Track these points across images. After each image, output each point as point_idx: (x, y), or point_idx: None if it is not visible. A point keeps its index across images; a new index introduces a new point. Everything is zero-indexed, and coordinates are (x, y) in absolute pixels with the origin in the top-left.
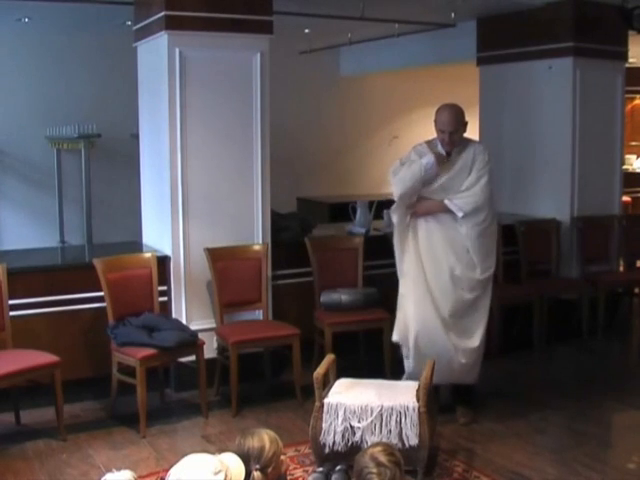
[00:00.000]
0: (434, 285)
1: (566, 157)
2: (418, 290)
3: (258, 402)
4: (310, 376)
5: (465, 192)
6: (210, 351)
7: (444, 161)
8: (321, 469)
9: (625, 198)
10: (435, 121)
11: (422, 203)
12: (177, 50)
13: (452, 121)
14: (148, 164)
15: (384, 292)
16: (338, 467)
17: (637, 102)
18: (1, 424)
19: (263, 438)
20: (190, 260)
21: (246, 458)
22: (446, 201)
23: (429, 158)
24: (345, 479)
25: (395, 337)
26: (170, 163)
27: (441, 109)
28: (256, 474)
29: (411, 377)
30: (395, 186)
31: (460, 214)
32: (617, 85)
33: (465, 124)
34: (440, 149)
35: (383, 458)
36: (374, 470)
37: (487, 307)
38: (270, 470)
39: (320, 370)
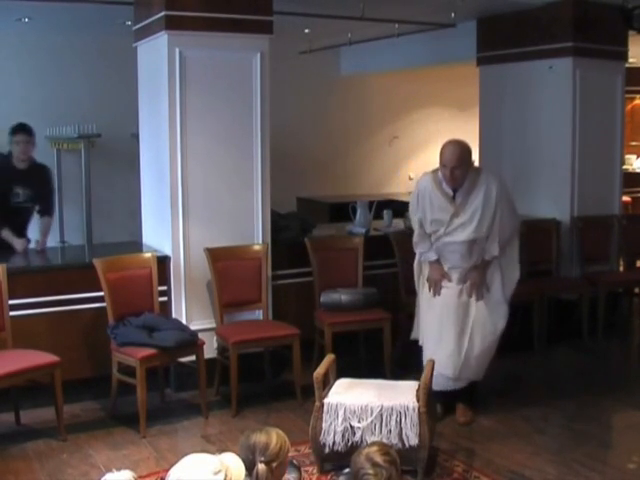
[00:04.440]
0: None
1: (566, 157)
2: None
3: (258, 402)
4: (310, 376)
5: (489, 240)
6: (210, 351)
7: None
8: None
9: (625, 198)
10: (440, 155)
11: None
12: (177, 50)
13: (454, 157)
14: (148, 164)
15: (384, 292)
16: (346, 470)
17: (637, 102)
18: (1, 424)
19: (271, 435)
20: (190, 260)
21: (252, 450)
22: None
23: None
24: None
25: (413, 336)
26: (170, 163)
27: (446, 144)
28: (260, 466)
29: None
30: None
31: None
32: (617, 85)
33: (471, 164)
34: (445, 187)
35: (379, 458)
36: (370, 471)
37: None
38: (276, 466)
39: (320, 370)
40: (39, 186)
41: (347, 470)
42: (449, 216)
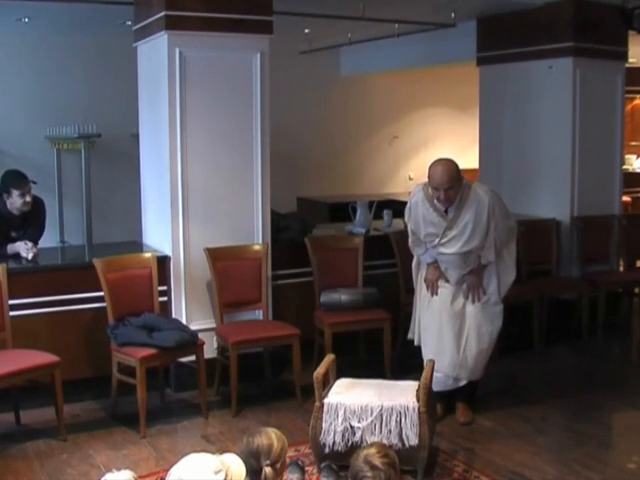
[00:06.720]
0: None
1: (566, 157)
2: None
3: (258, 402)
4: (310, 376)
5: (485, 248)
6: (210, 351)
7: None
8: (324, 463)
9: (625, 198)
10: (428, 177)
11: (432, 274)
12: (177, 50)
13: (445, 179)
14: (148, 164)
15: (384, 292)
16: (323, 464)
17: (637, 102)
18: (1, 424)
19: (270, 436)
20: (190, 260)
21: (256, 455)
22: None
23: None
24: (333, 475)
25: (410, 335)
26: (170, 163)
27: (435, 166)
28: (267, 469)
29: None
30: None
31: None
32: (617, 85)
33: (461, 179)
34: (437, 203)
35: (377, 461)
36: (369, 474)
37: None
38: (279, 466)
39: (320, 370)
40: (34, 225)
41: (324, 464)
42: (442, 229)
